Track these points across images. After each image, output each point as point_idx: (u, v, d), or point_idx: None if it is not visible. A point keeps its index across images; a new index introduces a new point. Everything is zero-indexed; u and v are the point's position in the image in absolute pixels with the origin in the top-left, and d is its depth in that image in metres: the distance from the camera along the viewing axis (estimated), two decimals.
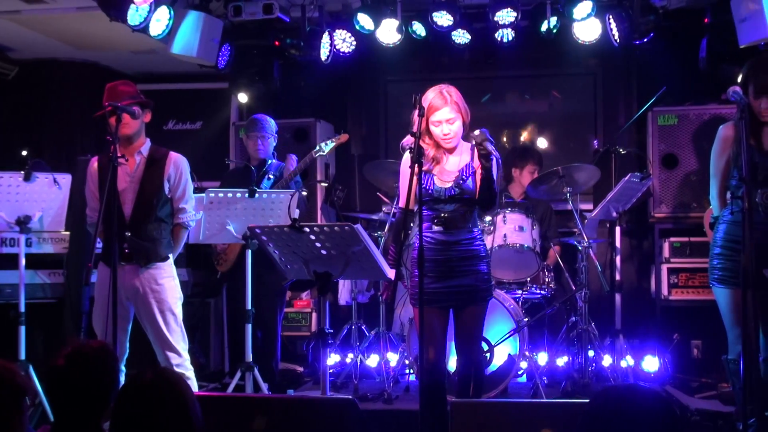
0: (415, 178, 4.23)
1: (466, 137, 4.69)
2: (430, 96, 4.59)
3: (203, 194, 5.53)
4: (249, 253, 5.67)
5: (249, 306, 5.69)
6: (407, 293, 5.83)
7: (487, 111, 8.16)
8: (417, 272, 4.38)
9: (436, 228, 4.59)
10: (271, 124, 6.52)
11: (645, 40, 6.53)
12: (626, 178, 6.38)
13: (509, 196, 7.05)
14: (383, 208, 6.95)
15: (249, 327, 5.68)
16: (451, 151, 4.67)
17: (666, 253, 6.92)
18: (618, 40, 6.49)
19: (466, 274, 4.59)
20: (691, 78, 6.95)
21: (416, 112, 4.32)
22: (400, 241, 4.38)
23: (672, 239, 6.93)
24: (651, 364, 6.67)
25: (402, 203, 4.62)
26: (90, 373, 2.96)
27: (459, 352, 4.70)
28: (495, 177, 4.50)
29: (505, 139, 8.32)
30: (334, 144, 6.34)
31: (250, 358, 5.66)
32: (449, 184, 4.59)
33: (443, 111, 4.57)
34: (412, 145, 4.25)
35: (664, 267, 6.91)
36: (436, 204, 4.60)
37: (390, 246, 5.27)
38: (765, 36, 5.88)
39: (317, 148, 6.32)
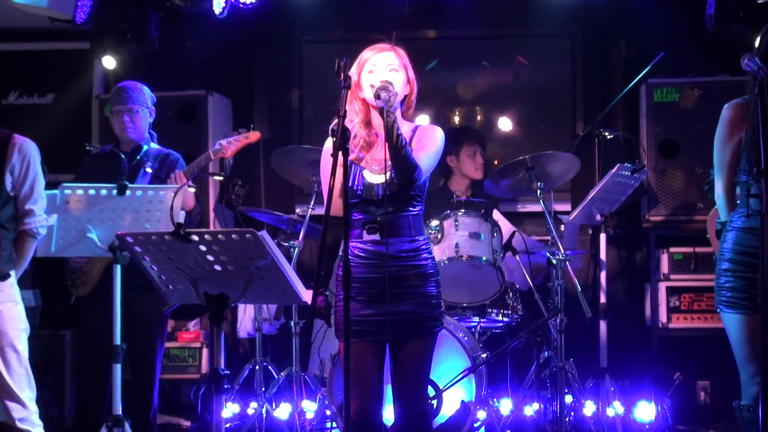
0: (338, 170, 4.16)
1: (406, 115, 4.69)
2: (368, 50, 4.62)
3: (56, 191, 5.46)
4: (117, 269, 5.62)
5: (118, 341, 5.64)
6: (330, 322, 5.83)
7: (434, 82, 8.18)
8: (342, 295, 4.38)
9: (368, 237, 4.56)
10: (145, 92, 6.39)
11: None
12: (613, 170, 6.48)
13: (454, 194, 7.03)
14: (297, 210, 6.94)
15: (118, 368, 5.63)
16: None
17: (664, 267, 7.04)
18: None
19: (408, 298, 4.55)
20: (696, 42, 7.09)
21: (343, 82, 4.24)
22: (324, 259, 4.37)
23: (672, 250, 7.06)
24: (646, 411, 6.78)
25: (325, 207, 4.37)
26: None
27: (397, 400, 4.68)
28: (401, 139, 4.37)
29: (457, 119, 8.35)
30: (239, 144, 6.27)
31: (119, 410, 5.60)
32: (382, 178, 4.54)
33: (386, 55, 4.59)
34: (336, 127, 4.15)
35: (662, 285, 7.05)
36: (368, 205, 4.58)
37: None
38: None
39: (217, 146, 6.25)
